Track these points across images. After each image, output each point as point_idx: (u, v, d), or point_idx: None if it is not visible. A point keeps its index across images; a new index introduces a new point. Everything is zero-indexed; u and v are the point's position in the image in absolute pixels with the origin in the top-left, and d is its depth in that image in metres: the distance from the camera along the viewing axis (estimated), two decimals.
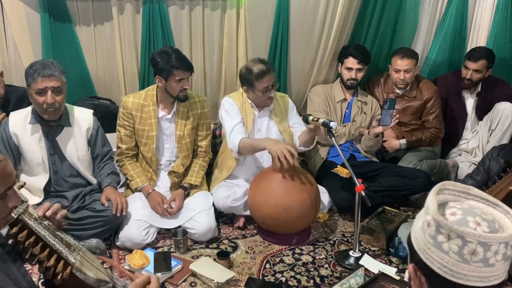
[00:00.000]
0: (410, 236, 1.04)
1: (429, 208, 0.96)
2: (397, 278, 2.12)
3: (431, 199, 0.97)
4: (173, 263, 2.37)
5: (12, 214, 1.27)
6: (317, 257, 2.56)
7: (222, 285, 2.25)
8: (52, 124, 2.49)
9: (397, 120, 3.00)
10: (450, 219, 0.94)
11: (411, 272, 1.02)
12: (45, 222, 1.36)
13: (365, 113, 3.28)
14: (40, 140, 2.49)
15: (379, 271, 2.17)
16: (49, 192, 2.57)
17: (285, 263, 2.50)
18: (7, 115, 2.58)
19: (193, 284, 2.31)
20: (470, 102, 3.55)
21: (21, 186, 1.32)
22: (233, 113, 2.82)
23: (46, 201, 2.49)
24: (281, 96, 3.04)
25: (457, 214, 0.95)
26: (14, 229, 1.29)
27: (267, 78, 2.76)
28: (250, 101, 2.88)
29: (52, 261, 1.29)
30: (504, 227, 0.93)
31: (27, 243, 1.28)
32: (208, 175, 3.05)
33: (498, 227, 0.93)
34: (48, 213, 1.38)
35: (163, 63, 2.57)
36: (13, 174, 1.24)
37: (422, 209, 1.02)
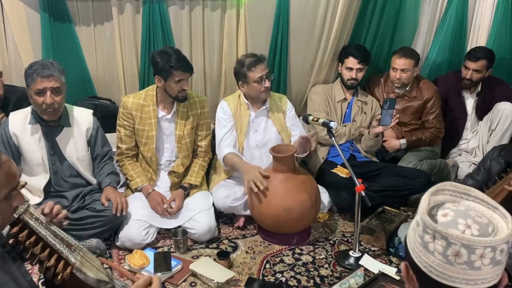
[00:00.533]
0: (406, 235, 1.04)
1: (419, 207, 0.96)
2: (397, 278, 2.12)
3: (424, 199, 0.97)
4: (173, 263, 2.37)
5: (13, 214, 1.27)
6: (317, 257, 2.56)
7: (222, 285, 2.25)
8: (52, 125, 2.49)
9: (397, 120, 2.99)
10: (440, 220, 0.94)
11: (403, 270, 1.02)
12: (45, 222, 1.36)
13: (365, 113, 3.28)
14: (40, 140, 2.49)
15: (379, 271, 2.17)
16: (49, 192, 2.57)
17: (285, 263, 2.50)
18: (7, 115, 2.58)
19: (193, 284, 2.31)
20: (470, 102, 3.55)
21: (22, 186, 1.32)
22: (224, 121, 2.87)
23: (46, 201, 2.50)
24: (279, 97, 3.05)
25: (449, 215, 0.94)
26: (15, 229, 1.28)
27: (259, 67, 2.79)
28: (246, 102, 2.88)
29: (52, 261, 1.29)
30: (498, 232, 0.92)
31: (27, 243, 1.28)
32: (208, 175, 3.05)
33: (491, 231, 0.92)
34: (46, 220, 1.38)
35: (163, 63, 2.57)
36: (17, 175, 1.24)
37: None
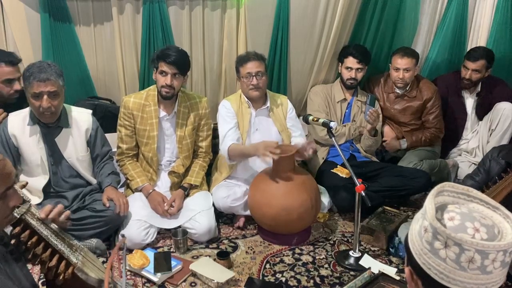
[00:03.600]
0: (407, 239, 1.02)
1: (427, 213, 0.94)
2: (397, 278, 2.12)
3: (429, 203, 0.95)
4: (173, 263, 2.37)
5: (15, 214, 1.27)
6: (317, 257, 2.56)
7: (222, 285, 2.25)
8: (51, 126, 2.48)
9: (380, 116, 3.01)
10: (448, 224, 0.93)
11: (408, 275, 1.01)
12: (47, 222, 1.36)
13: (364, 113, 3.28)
14: (39, 141, 2.48)
15: (379, 271, 2.17)
16: (48, 192, 2.56)
17: (285, 263, 2.50)
18: (7, 115, 2.57)
19: (193, 284, 2.31)
20: (470, 102, 3.55)
21: (23, 186, 1.32)
22: (228, 118, 2.86)
23: (46, 201, 2.50)
24: (280, 97, 3.05)
25: (455, 219, 0.93)
26: (17, 229, 1.28)
27: (251, 63, 2.81)
28: (246, 100, 2.89)
29: (54, 261, 1.29)
30: (504, 233, 0.92)
31: (29, 243, 1.28)
32: (208, 175, 3.05)
33: (497, 232, 0.92)
34: (51, 216, 1.38)
35: (155, 54, 2.62)
36: (13, 173, 1.24)
37: (419, 210, 1.00)
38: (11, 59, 2.55)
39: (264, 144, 2.55)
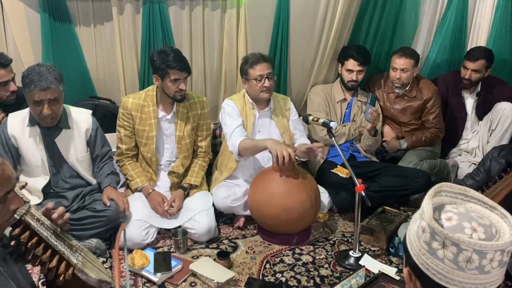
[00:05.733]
0: (405, 240, 1.02)
1: (424, 213, 0.94)
2: (397, 278, 2.12)
3: (427, 203, 0.96)
4: (173, 263, 2.37)
5: (15, 215, 1.27)
6: (317, 257, 2.56)
7: (222, 285, 2.25)
8: (51, 127, 2.47)
9: (380, 115, 3.06)
10: (446, 224, 0.93)
11: (406, 276, 1.01)
12: (47, 223, 1.36)
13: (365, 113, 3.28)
14: (39, 142, 2.48)
15: (379, 271, 2.17)
16: (48, 193, 2.56)
17: (285, 263, 2.50)
18: (6, 115, 2.57)
19: (193, 284, 2.31)
20: (470, 102, 3.55)
21: (23, 187, 1.32)
22: (234, 115, 2.83)
23: (45, 202, 2.50)
24: (283, 98, 3.04)
25: (453, 219, 0.93)
26: (17, 230, 1.28)
27: (261, 66, 2.78)
28: (251, 101, 2.88)
29: (54, 262, 1.29)
30: (501, 232, 0.92)
31: (29, 244, 1.28)
32: (208, 175, 3.05)
33: (495, 232, 0.92)
34: (54, 216, 1.38)
35: (160, 62, 2.58)
36: (13, 177, 1.23)
37: (417, 211, 1.00)
38: (2, 61, 2.50)
39: (286, 146, 2.52)
